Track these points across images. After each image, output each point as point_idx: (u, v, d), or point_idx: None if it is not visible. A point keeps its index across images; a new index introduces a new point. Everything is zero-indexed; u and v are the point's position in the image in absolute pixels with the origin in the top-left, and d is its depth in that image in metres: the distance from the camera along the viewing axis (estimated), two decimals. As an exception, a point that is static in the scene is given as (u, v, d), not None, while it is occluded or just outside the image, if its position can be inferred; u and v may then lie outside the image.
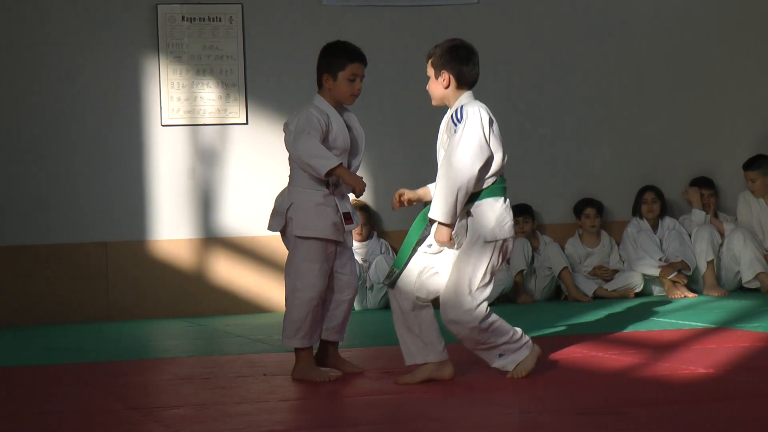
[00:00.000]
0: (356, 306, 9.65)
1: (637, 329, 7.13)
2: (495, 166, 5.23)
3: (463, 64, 5.37)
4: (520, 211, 9.91)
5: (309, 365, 5.43)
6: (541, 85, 10.26)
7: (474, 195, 5.22)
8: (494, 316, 5.22)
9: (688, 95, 10.51)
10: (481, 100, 5.32)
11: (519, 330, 5.29)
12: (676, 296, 9.54)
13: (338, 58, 5.61)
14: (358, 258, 9.66)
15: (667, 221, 10.04)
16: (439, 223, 5.17)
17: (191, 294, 9.55)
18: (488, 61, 10.06)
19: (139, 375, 5.89)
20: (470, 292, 5.17)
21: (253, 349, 6.84)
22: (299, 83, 9.71)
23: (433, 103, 5.49)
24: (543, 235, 10.10)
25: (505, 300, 9.72)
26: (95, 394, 5.31)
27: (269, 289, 9.64)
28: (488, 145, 5.19)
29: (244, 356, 6.45)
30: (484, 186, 5.24)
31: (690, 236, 9.94)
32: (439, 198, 5.16)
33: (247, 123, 9.70)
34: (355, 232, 9.74)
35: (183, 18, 9.66)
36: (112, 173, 9.52)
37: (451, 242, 5.19)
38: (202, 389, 5.28)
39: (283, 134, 5.60)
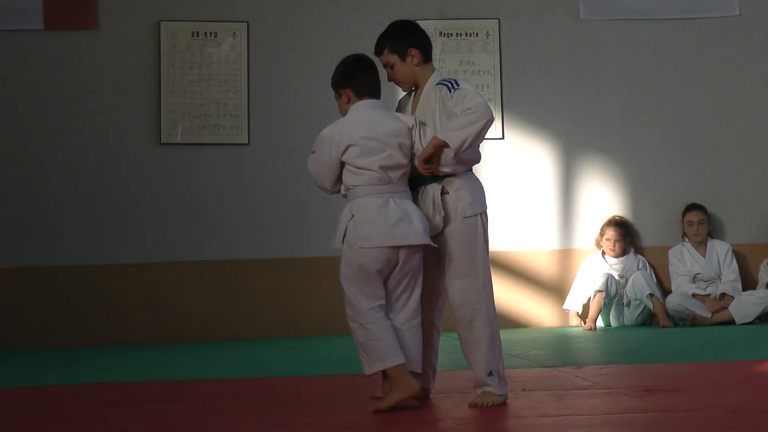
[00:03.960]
0: (613, 322, 9.55)
1: None
2: None
3: (423, 37, 5.28)
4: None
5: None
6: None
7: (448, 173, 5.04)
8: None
9: None
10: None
11: None
12: None
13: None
14: (615, 274, 9.55)
15: None
16: (440, 145, 4.92)
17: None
18: (748, 73, 9.79)
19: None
20: (474, 272, 5.06)
21: (510, 363, 6.84)
22: (555, 97, 9.71)
23: (405, 87, 5.28)
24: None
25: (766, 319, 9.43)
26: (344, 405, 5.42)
27: (525, 304, 9.68)
28: None
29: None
30: None
31: None
32: (458, 125, 4.90)
33: (503, 138, 9.74)
34: (609, 248, 9.62)
35: (440, 33, 9.80)
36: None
37: (428, 169, 4.96)
38: (463, 403, 5.34)
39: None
